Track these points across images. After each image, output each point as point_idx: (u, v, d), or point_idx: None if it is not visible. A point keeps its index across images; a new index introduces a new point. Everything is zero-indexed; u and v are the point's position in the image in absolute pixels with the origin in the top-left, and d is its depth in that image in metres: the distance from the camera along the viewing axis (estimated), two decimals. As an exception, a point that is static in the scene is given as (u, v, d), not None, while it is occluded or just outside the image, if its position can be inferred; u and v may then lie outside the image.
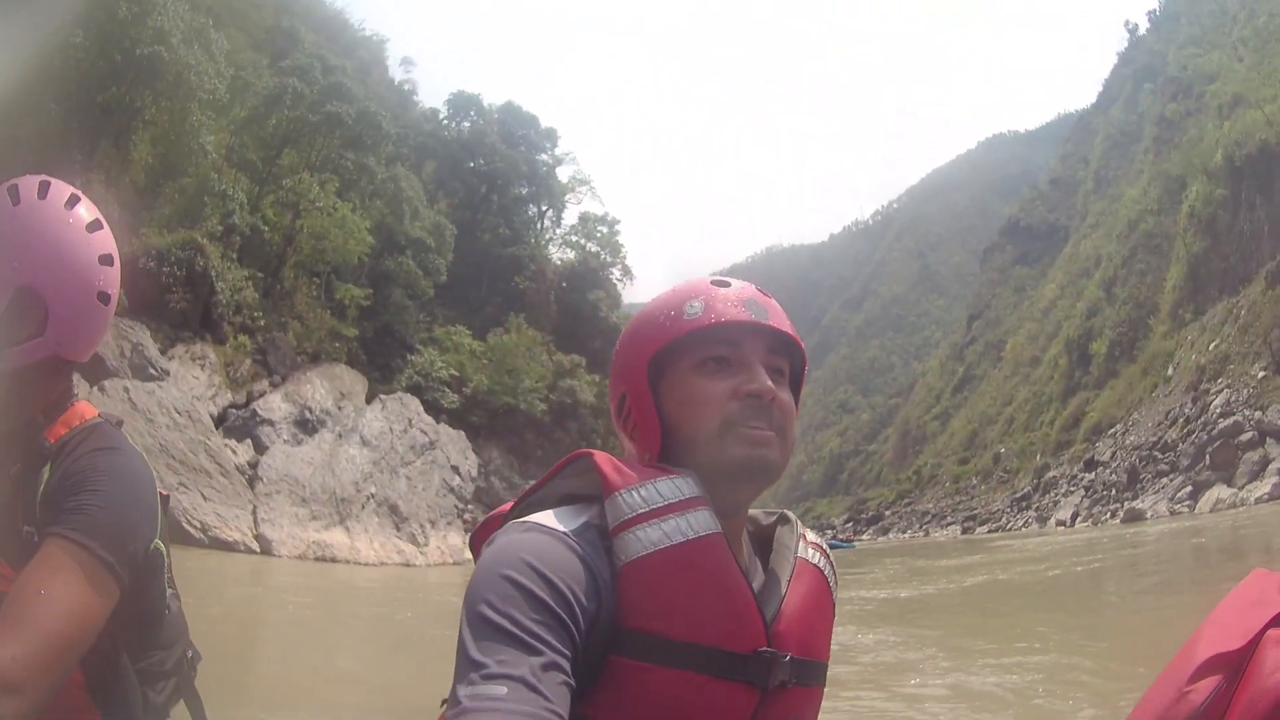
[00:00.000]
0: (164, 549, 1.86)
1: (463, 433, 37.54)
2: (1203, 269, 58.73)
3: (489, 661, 1.08)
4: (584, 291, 56.75)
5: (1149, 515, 38.62)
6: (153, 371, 24.73)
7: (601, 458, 1.35)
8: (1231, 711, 1.01)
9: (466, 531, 32.41)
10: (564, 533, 1.26)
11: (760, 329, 1.44)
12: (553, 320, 52.99)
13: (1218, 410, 43.55)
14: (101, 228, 1.79)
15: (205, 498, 22.85)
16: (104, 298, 1.78)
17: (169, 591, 1.92)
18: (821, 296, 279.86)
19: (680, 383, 1.43)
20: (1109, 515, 43.81)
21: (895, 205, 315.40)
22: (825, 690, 1.48)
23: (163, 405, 23.64)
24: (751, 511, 1.55)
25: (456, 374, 42.81)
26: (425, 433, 34.16)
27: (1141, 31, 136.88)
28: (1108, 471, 51.02)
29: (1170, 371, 56.42)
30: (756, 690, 1.30)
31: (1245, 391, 43.17)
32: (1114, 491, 47.38)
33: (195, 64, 28.56)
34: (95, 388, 21.90)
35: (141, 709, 1.83)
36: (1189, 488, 38.75)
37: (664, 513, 1.29)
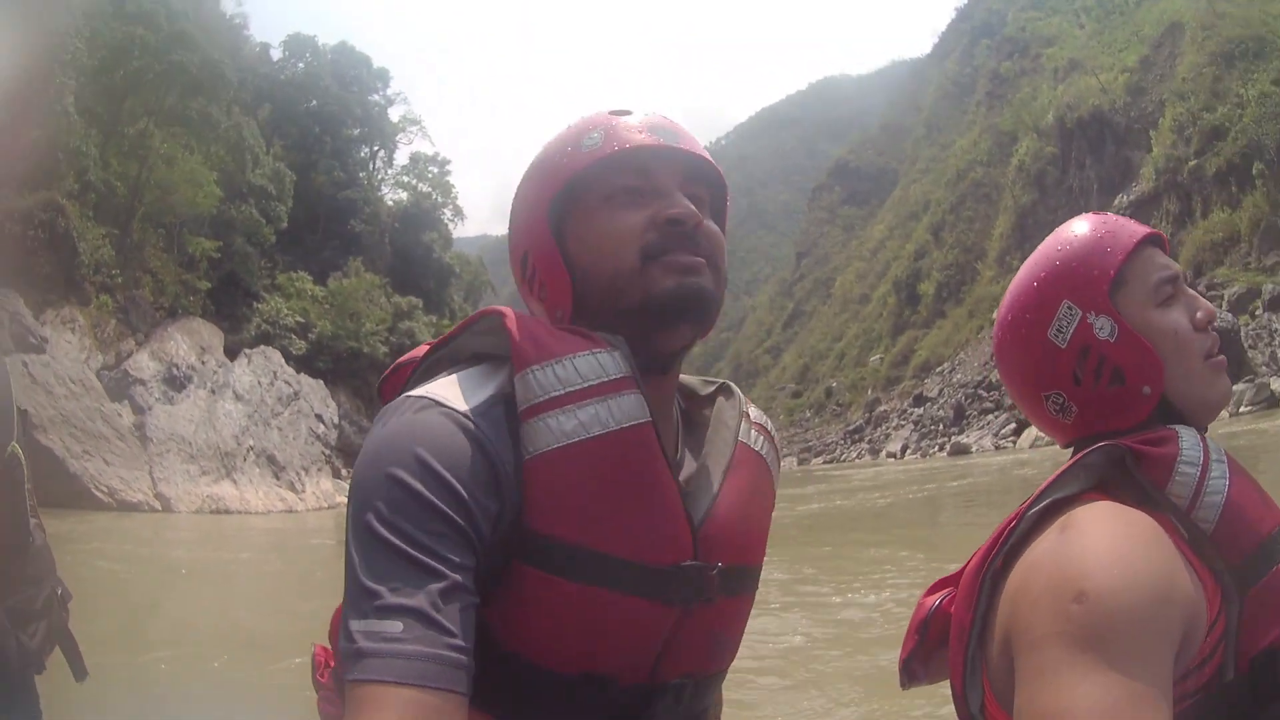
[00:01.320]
0: (22, 459, 1.68)
1: (321, 381, 38.03)
2: (1030, 220, 62.08)
3: (381, 589, 0.97)
4: (417, 233, 58.11)
5: (974, 449, 41.35)
6: (32, 340, 24.50)
7: (512, 318, 1.19)
8: (955, 602, 1.27)
9: (335, 478, 33.74)
10: (463, 413, 1.11)
11: (672, 153, 1.30)
12: (388, 262, 53.89)
13: (1041, 354, 46.52)
14: None
15: (107, 463, 23.16)
16: None
17: (32, 521, 1.73)
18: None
19: (587, 222, 1.27)
20: (937, 449, 46.65)
21: (723, 141, 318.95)
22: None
23: (59, 376, 23.68)
24: (686, 379, 1.42)
25: (302, 320, 43.42)
26: (289, 384, 34.97)
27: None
28: (935, 407, 54.24)
29: (994, 315, 59.78)
30: (676, 608, 1.17)
31: (1067, 336, 46.23)
32: (941, 426, 50.54)
33: (57, 26, 27.48)
34: None
35: (16, 653, 1.62)
36: (1012, 424, 41.52)
37: (583, 397, 1.13)
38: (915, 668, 1.38)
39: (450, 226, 63.81)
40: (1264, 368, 31.07)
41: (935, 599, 1.37)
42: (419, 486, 1.02)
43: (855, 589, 9.72)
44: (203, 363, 31.96)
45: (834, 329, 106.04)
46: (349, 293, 46.11)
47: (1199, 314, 1.32)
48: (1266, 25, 47.63)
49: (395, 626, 0.95)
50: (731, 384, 1.44)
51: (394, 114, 64.80)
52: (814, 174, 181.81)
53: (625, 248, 1.22)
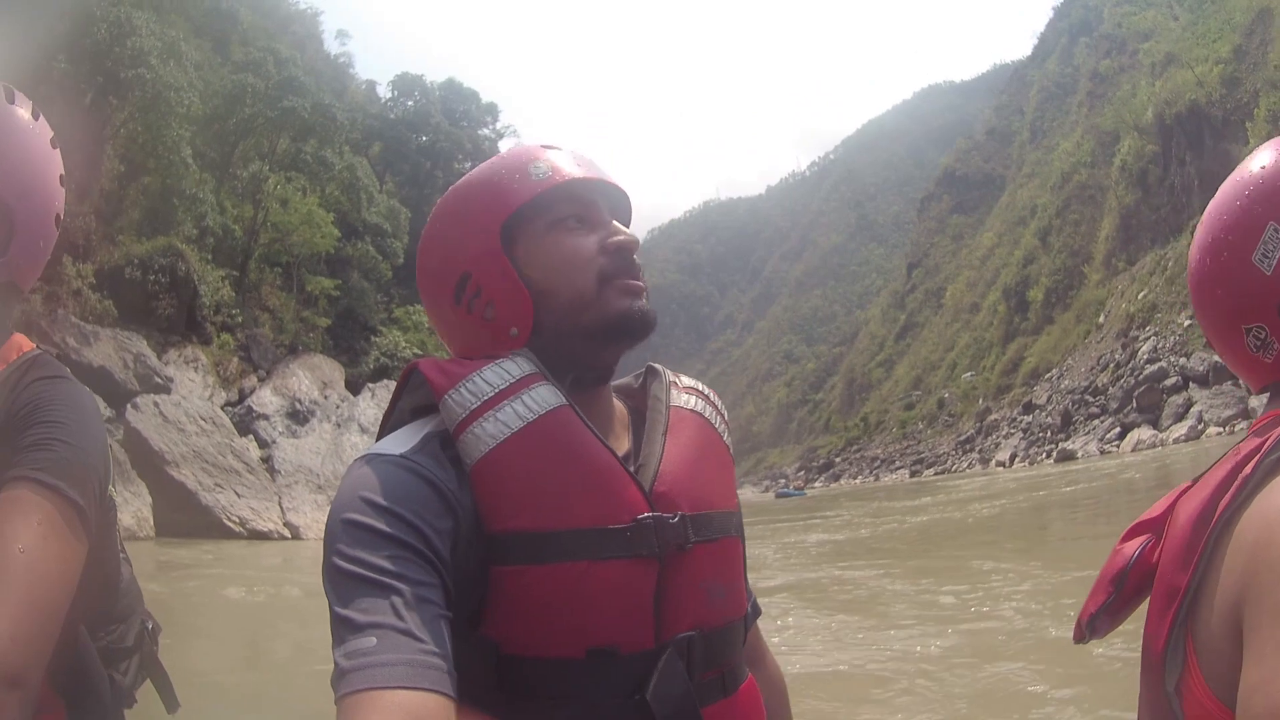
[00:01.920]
0: (114, 500, 1.62)
1: None
2: (1134, 221, 61.57)
3: (353, 614, 1.03)
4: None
5: (1080, 455, 41.41)
6: (158, 380, 26.85)
7: (426, 364, 1.27)
8: (1163, 557, 1.19)
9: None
10: (399, 455, 1.18)
11: (608, 186, 1.42)
12: None
13: (1145, 356, 46.36)
14: (58, 146, 1.62)
15: (239, 495, 25.03)
16: (58, 221, 1.60)
17: (120, 554, 1.70)
18: (760, 248, 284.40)
19: (539, 246, 1.35)
20: (1044, 455, 46.55)
21: (832, 156, 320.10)
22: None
23: (189, 415, 25.71)
24: (618, 382, 1.50)
25: (419, 352, 44.47)
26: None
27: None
28: (1044, 414, 53.98)
29: (1102, 319, 59.28)
30: (653, 561, 1.22)
31: (1171, 339, 46.04)
32: (1049, 433, 50.30)
33: (173, 81, 29.73)
34: (130, 404, 24.25)
35: (109, 694, 1.62)
36: (1117, 429, 41.64)
37: (496, 401, 1.22)
38: (1101, 623, 1.32)
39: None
40: None
41: (1134, 546, 1.28)
42: (369, 521, 1.10)
43: (972, 598, 9.86)
44: (325, 397, 33.86)
45: (946, 339, 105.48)
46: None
47: None
48: None
49: (369, 641, 1.00)
50: (655, 364, 1.53)
51: (504, 146, 66.95)
52: (922, 184, 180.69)
53: (584, 271, 1.33)
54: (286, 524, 26.30)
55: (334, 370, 37.03)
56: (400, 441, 1.23)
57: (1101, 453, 40.23)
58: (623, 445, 1.39)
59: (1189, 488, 1.23)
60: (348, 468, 1.23)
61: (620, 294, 1.35)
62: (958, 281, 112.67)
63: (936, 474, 59.20)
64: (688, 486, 1.32)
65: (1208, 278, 1.27)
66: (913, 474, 63.13)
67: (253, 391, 32.12)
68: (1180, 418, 37.57)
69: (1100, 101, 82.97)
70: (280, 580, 16.66)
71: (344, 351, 41.02)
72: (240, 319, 34.35)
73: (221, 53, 38.99)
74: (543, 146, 1.44)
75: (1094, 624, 1.32)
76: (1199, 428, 35.67)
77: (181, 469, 24.00)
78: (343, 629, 1.03)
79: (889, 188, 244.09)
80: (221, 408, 29.81)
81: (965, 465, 58.06)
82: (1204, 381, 38.78)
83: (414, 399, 1.31)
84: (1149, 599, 1.23)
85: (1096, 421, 45.49)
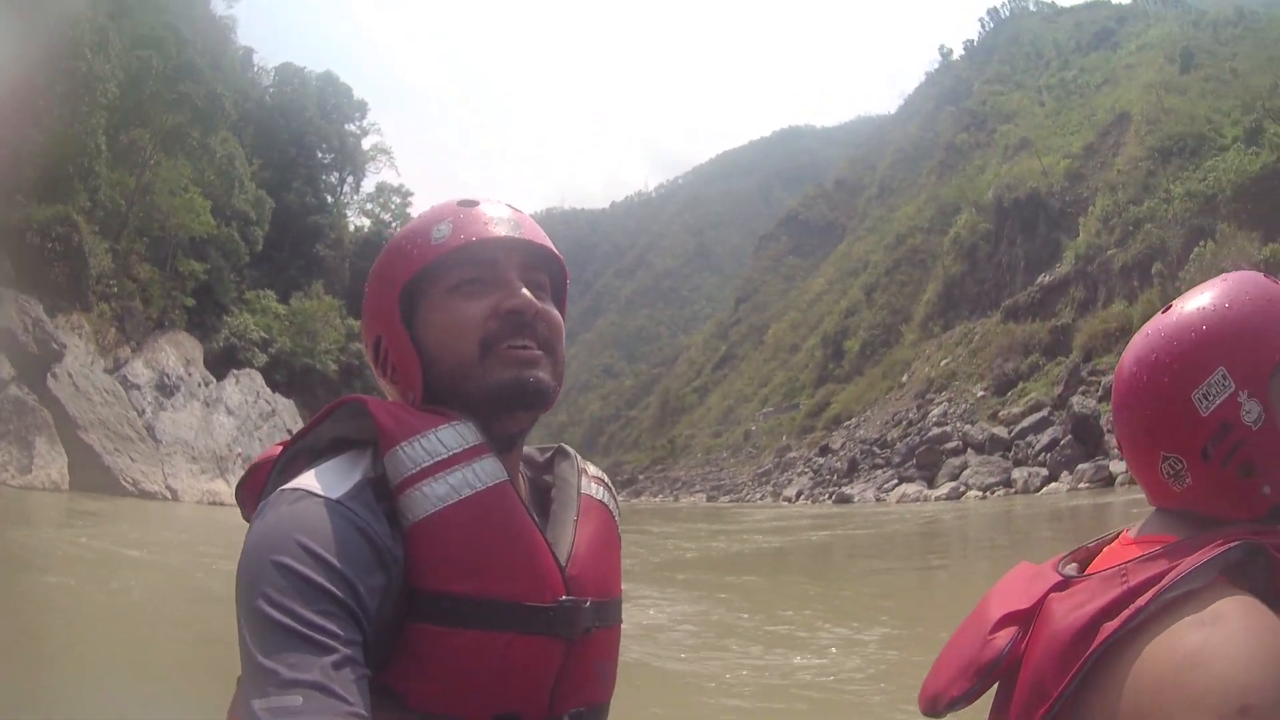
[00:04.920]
0: None
1: (293, 402, 45.42)
2: (956, 291, 66.00)
3: (279, 668, 1.03)
4: (374, 260, 62.33)
5: (856, 500, 45.12)
6: (55, 346, 30.08)
7: (376, 404, 1.30)
8: (1028, 654, 1.28)
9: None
10: (336, 500, 1.19)
11: (515, 243, 1.42)
12: (346, 286, 58.47)
13: (934, 419, 50.39)
14: None
15: (132, 459, 30.44)
16: None
17: None
18: (596, 262, 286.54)
19: (435, 311, 1.39)
20: (826, 496, 49.89)
21: (680, 181, 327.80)
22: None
23: (95, 386, 31.04)
24: (526, 450, 1.53)
25: (265, 336, 48.62)
26: (269, 403, 43.41)
27: (955, 57, 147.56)
28: (835, 459, 57.23)
29: (905, 378, 63.25)
30: (562, 642, 1.29)
31: (962, 406, 50.12)
32: (835, 476, 53.60)
33: (100, 73, 33.30)
34: (49, 374, 29.02)
35: None
36: (895, 480, 45.23)
37: (449, 464, 1.26)
38: (960, 704, 1.35)
39: (408, 258, 69.81)
40: (1114, 450, 34.89)
41: (1004, 639, 1.32)
42: (304, 570, 1.10)
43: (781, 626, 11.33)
44: (189, 374, 38.46)
45: (762, 374, 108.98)
46: (309, 313, 51.99)
47: None
48: (1210, 123, 51.68)
49: (295, 700, 1.01)
50: (567, 446, 1.60)
51: (367, 143, 70.69)
52: (765, 222, 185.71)
53: (466, 338, 1.36)
54: (168, 487, 31.75)
55: (195, 348, 41.21)
56: (332, 483, 1.23)
57: (877, 500, 43.72)
58: (537, 519, 1.40)
59: (1059, 584, 1.31)
60: (274, 496, 1.23)
61: (503, 363, 1.36)
62: (782, 321, 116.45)
63: (732, 501, 62.00)
64: (594, 574, 1.40)
65: (1144, 395, 1.31)
66: (710, 499, 65.76)
67: (126, 362, 35.78)
68: (955, 478, 41.10)
69: (950, 172, 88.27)
70: (161, 535, 20.16)
71: (197, 327, 43.92)
72: (116, 289, 37.24)
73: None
74: (458, 204, 1.46)
75: (954, 704, 1.34)
76: (959, 489, 39.52)
77: (90, 433, 28.78)
78: (265, 680, 1.03)
79: (732, 221, 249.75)
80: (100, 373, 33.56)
81: (759, 496, 60.85)
82: (980, 449, 42.48)
83: (339, 429, 1.33)
84: (1003, 685, 1.33)
85: (879, 471, 48.92)
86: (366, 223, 70.25)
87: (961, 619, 1.48)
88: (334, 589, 1.10)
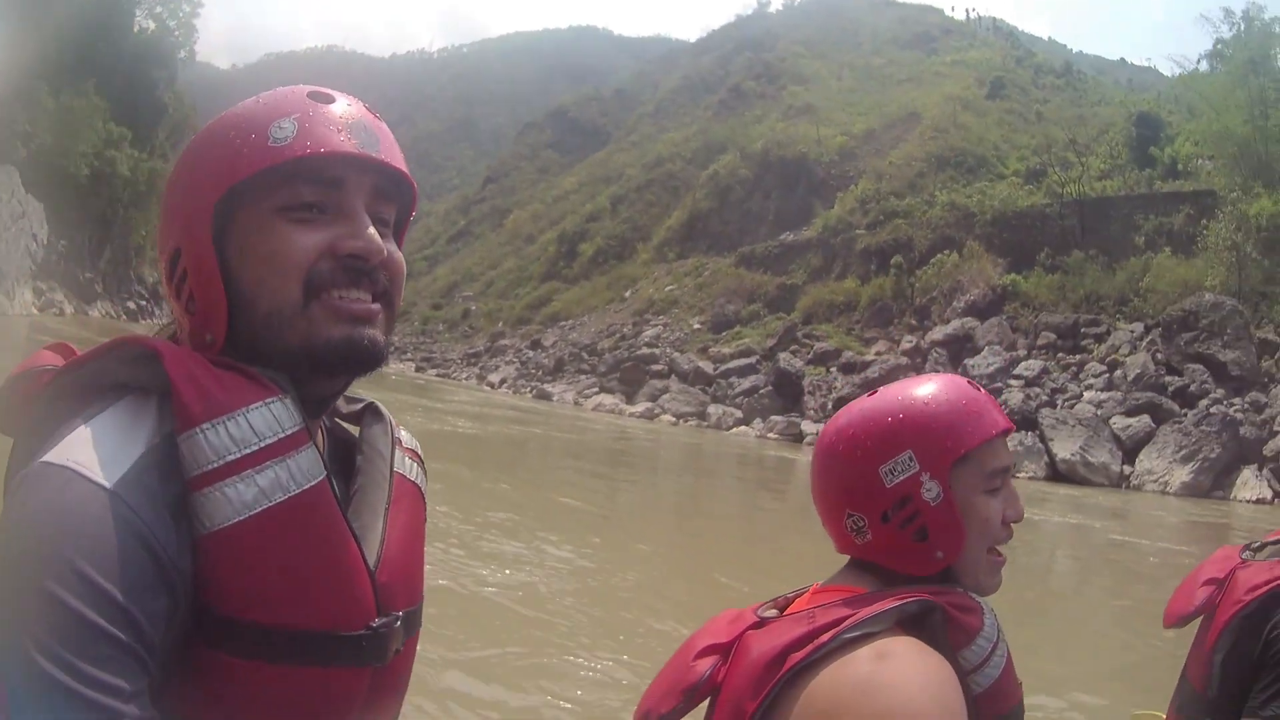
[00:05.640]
0: None
1: (43, 206, 44.42)
2: (699, 226, 66.69)
3: None
4: (149, 68, 61.42)
5: (555, 399, 45.89)
6: None
7: (172, 358, 1.04)
8: (727, 679, 1.43)
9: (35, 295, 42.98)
10: (113, 490, 0.96)
11: (369, 164, 1.15)
12: (117, 90, 55.75)
13: (646, 339, 51.06)
14: None
15: None
16: None
17: None
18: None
19: (255, 233, 1.11)
20: (528, 390, 50.34)
21: (465, 50, 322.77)
22: None
23: None
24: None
25: (29, 129, 46.41)
26: (20, 204, 42.46)
27: (771, 9, 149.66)
28: (544, 355, 57.44)
29: (629, 294, 63.69)
30: (371, 669, 1.14)
31: (677, 334, 50.93)
32: (540, 372, 53.83)
33: None
34: None
35: None
36: (596, 389, 45.96)
37: (261, 460, 1.03)
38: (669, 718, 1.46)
39: (181, 66, 69.12)
40: (810, 411, 36.77)
41: (706, 666, 1.45)
42: (80, 607, 0.89)
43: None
44: None
45: (493, 258, 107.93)
46: (77, 112, 49.93)
47: (1010, 513, 1.51)
48: (997, 150, 54.37)
49: None
50: (379, 404, 1.37)
51: None
52: (537, 111, 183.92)
53: (289, 277, 1.11)
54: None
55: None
56: (110, 454, 1.00)
57: (575, 403, 44.41)
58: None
59: (756, 623, 1.48)
60: (36, 472, 0.99)
61: (331, 316, 1.13)
62: (526, 210, 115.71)
63: (438, 375, 61.47)
64: (404, 578, 1.23)
65: (840, 459, 1.52)
66: (418, 369, 64.82)
67: None
68: (654, 398, 41.96)
69: (728, 113, 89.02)
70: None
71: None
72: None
73: None
74: (308, 95, 1.17)
75: (664, 719, 1.46)
76: (655, 411, 40.51)
77: None
78: None
79: (504, 101, 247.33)
80: None
81: (465, 376, 60.49)
82: (684, 378, 43.47)
83: (121, 373, 1.08)
84: (710, 705, 1.48)
85: (583, 377, 49.44)
86: (152, 25, 65.62)
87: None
88: (116, 629, 0.91)
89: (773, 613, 1.52)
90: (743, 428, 37.43)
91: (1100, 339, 36.78)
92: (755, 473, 26.58)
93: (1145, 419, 29.19)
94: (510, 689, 6.49)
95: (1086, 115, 58.99)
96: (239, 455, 1.02)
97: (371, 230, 1.14)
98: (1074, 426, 29.69)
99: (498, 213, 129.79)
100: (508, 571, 9.50)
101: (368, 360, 1.16)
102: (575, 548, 11.05)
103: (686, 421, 39.10)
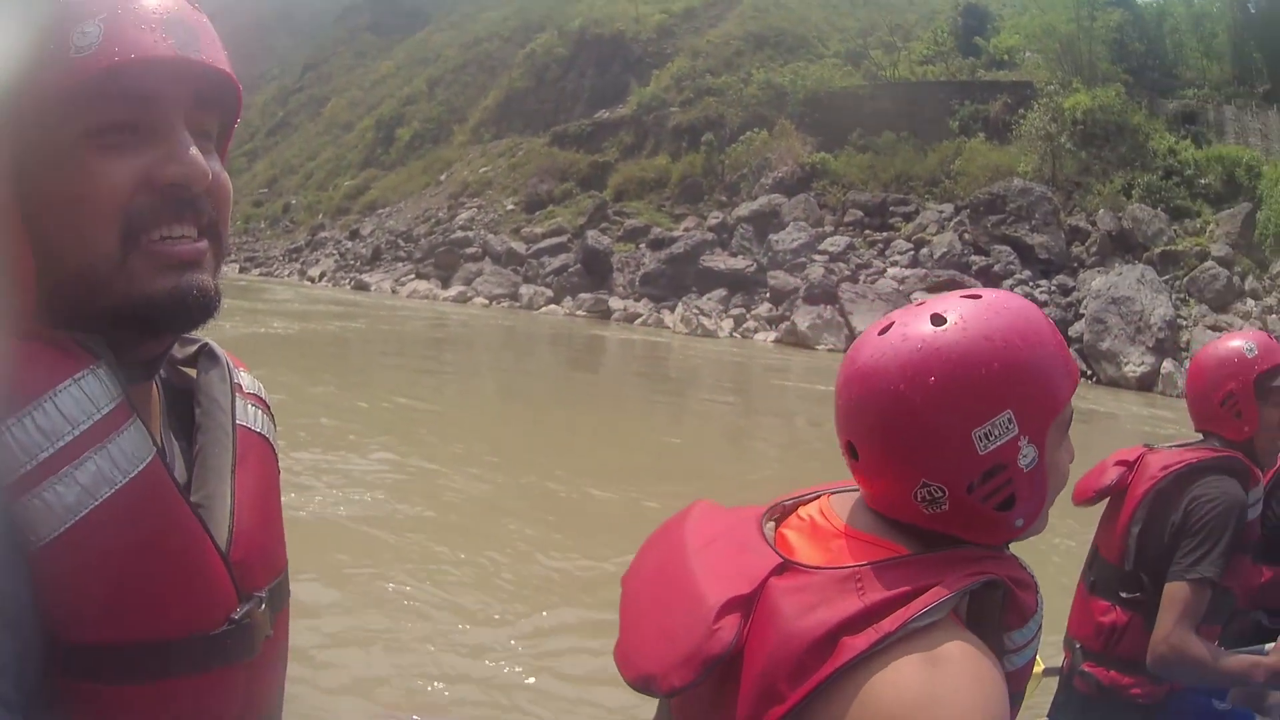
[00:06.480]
0: None
1: None
2: (512, 105, 65.89)
3: None
4: None
5: (373, 289, 46.12)
6: None
7: None
8: (752, 645, 1.17)
9: None
10: None
11: (188, 69, 0.98)
12: None
13: (460, 223, 50.86)
14: None
15: None
16: None
17: None
18: None
19: (57, 169, 0.93)
20: (347, 282, 50.14)
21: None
22: None
23: None
24: None
25: None
26: None
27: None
28: (361, 245, 56.87)
29: (444, 177, 62.86)
30: (243, 664, 1.04)
31: (491, 216, 50.88)
32: (358, 263, 53.44)
33: None
34: None
35: None
36: (412, 275, 46.28)
37: (78, 451, 0.89)
38: (682, 693, 1.23)
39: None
40: (619, 288, 38.46)
41: (730, 630, 1.19)
42: None
43: None
44: None
45: (311, 148, 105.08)
46: None
47: (1069, 458, 1.33)
48: (819, 31, 54.76)
49: None
50: (214, 345, 1.22)
51: None
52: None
53: (102, 222, 0.94)
54: None
55: None
56: None
57: (393, 291, 44.81)
58: (172, 461, 1.08)
59: (779, 566, 1.23)
60: None
61: (153, 265, 0.98)
62: (343, 97, 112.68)
63: (261, 275, 60.48)
64: (262, 550, 1.11)
65: (918, 416, 1.22)
66: (242, 269, 63.24)
67: None
68: (466, 283, 42.37)
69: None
70: None
71: None
72: None
73: None
74: None
75: (675, 692, 1.21)
76: (468, 294, 41.31)
77: None
78: None
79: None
80: None
81: (287, 273, 59.62)
82: (497, 260, 43.81)
83: None
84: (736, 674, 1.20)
85: (400, 265, 49.35)
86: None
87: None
88: None
89: (771, 529, 1.36)
90: (553, 306, 38.26)
91: (909, 218, 38.03)
92: (565, 351, 27.67)
93: (947, 295, 30.72)
94: (396, 648, 5.90)
95: (917, 2, 59.79)
96: (52, 451, 0.88)
97: (194, 150, 0.99)
98: (873, 301, 31.06)
99: (316, 101, 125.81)
100: (355, 492, 8.98)
101: (197, 313, 1.02)
102: (420, 454, 10.79)
103: (499, 303, 39.62)
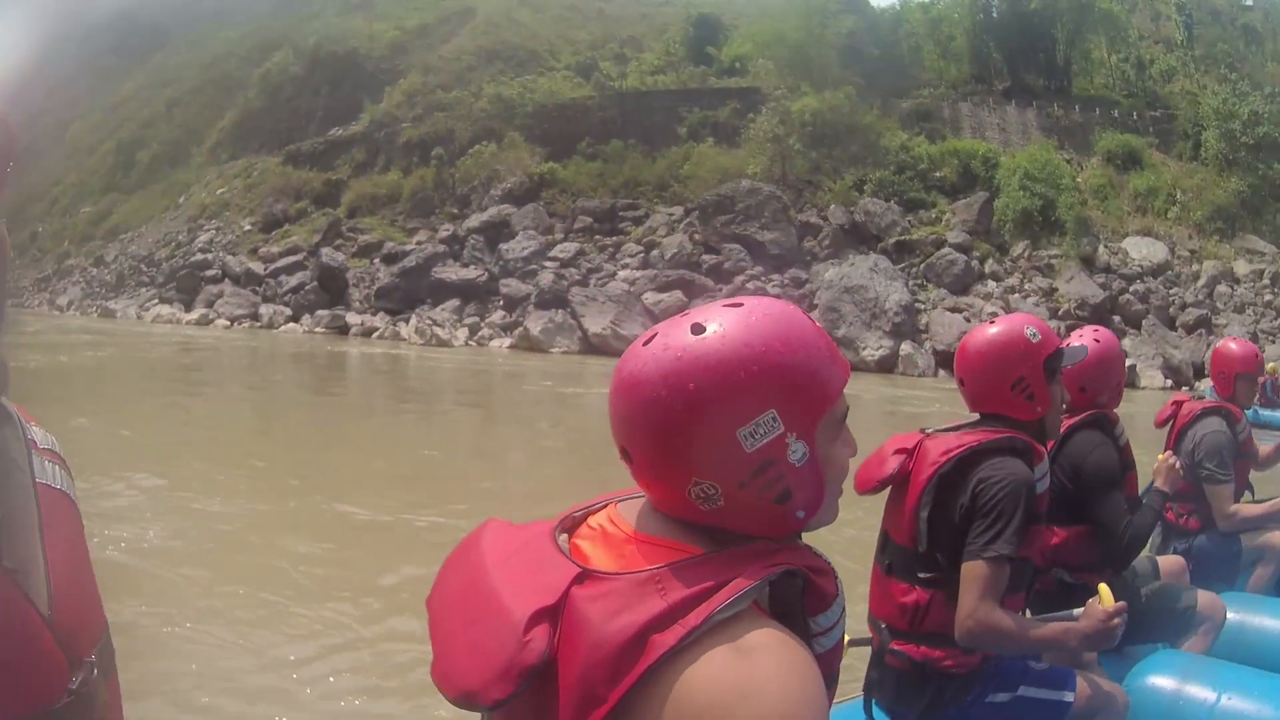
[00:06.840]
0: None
1: None
2: (251, 125, 66.88)
3: None
4: None
5: (119, 315, 46.78)
6: None
7: None
8: (564, 653, 1.15)
9: None
10: None
11: None
12: None
13: (200, 245, 51.99)
14: None
15: None
16: None
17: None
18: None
19: None
20: (94, 309, 50.53)
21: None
22: None
23: None
24: None
25: None
26: None
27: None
28: (106, 271, 57.43)
29: (183, 200, 63.56)
30: None
31: (229, 237, 52.10)
32: (104, 290, 54.12)
33: None
34: None
35: None
36: (156, 300, 47.07)
37: None
38: (504, 705, 1.18)
39: None
40: (355, 303, 41.20)
41: (543, 642, 1.16)
42: None
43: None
44: None
45: (56, 173, 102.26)
46: None
47: (849, 450, 1.34)
48: (550, 46, 57.44)
49: None
50: (4, 401, 1.14)
51: None
52: (99, 15, 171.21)
53: None
54: None
55: None
56: None
57: (138, 317, 45.50)
58: None
59: (579, 575, 1.21)
60: None
61: None
62: (85, 121, 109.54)
63: (13, 305, 57.70)
64: (82, 613, 1.07)
65: (680, 419, 1.22)
66: (16, 305, 62.46)
67: None
68: (208, 305, 43.63)
69: (286, 10, 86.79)
70: None
71: None
72: None
73: None
74: None
75: (498, 705, 1.17)
76: (210, 316, 42.38)
77: None
78: None
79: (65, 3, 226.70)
80: None
81: (37, 303, 59.43)
82: (237, 281, 45.25)
83: None
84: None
85: (144, 290, 50.18)
86: None
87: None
88: None
89: (565, 540, 1.33)
90: (292, 324, 39.95)
91: (638, 222, 40.73)
92: (311, 371, 28.16)
93: (678, 294, 33.30)
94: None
95: (650, 14, 62.65)
96: None
97: None
98: (604, 303, 33.37)
99: (60, 125, 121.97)
100: (125, 529, 8.46)
101: None
102: (188, 485, 10.35)
103: (241, 324, 41.03)
